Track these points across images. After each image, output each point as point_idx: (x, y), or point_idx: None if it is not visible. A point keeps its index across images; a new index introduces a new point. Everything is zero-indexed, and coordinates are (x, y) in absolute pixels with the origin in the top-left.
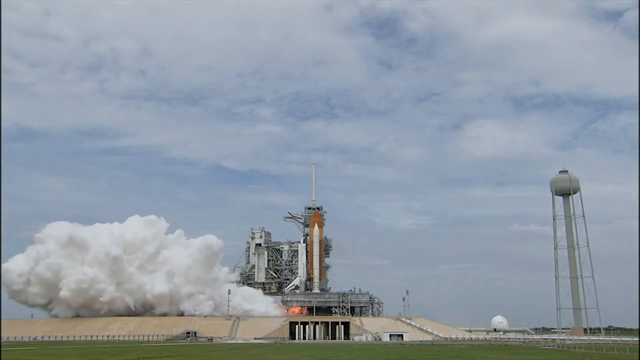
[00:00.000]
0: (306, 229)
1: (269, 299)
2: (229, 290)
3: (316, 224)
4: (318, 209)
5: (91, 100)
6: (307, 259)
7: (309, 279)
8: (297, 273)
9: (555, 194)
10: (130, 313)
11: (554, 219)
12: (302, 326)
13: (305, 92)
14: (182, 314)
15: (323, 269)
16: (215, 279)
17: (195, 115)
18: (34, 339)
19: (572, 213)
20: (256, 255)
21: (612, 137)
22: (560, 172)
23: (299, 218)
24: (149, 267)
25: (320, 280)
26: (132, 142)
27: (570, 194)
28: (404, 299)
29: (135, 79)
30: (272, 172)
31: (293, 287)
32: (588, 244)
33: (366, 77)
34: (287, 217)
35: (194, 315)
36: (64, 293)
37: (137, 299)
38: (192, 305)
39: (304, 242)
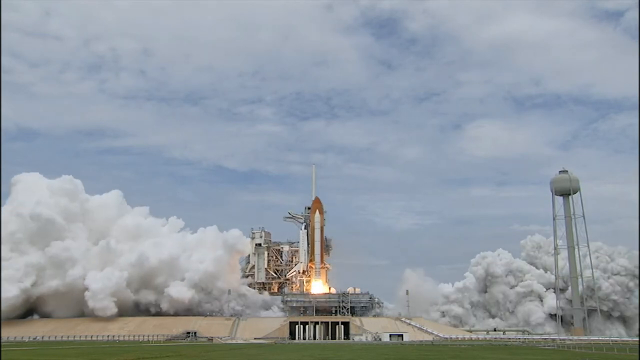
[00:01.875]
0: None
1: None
2: (229, 291)
3: (317, 210)
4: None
5: (91, 100)
6: (308, 245)
7: (308, 272)
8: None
9: (556, 194)
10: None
11: (554, 219)
12: (302, 326)
13: (305, 92)
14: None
15: (324, 253)
16: (237, 286)
17: (195, 115)
18: (34, 339)
19: (572, 213)
20: (256, 255)
21: (612, 137)
22: (560, 172)
23: (299, 218)
24: (173, 271)
25: (322, 264)
26: (132, 142)
27: (570, 194)
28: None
29: (135, 79)
30: (272, 172)
31: (295, 272)
32: (588, 244)
33: (366, 77)
34: (287, 217)
35: (194, 315)
36: (90, 295)
37: (157, 304)
38: (210, 311)
39: (305, 229)
